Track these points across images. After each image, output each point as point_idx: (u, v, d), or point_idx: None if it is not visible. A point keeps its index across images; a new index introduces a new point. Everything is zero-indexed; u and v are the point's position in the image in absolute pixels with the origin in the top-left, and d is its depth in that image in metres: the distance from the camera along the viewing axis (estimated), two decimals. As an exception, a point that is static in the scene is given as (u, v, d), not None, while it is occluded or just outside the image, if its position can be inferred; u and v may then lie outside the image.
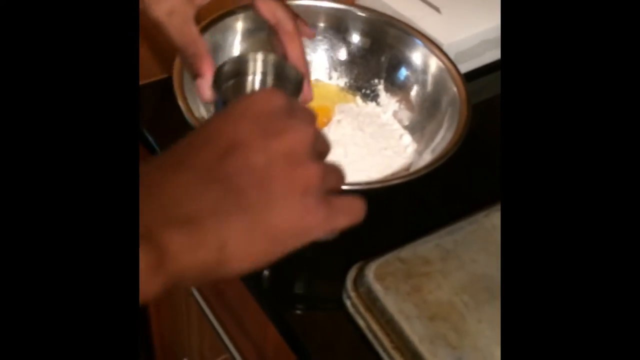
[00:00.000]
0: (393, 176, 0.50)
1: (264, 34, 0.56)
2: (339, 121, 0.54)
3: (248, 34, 0.55)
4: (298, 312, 0.48)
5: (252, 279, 0.49)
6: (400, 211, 0.54)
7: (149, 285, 0.24)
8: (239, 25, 0.54)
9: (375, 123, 0.55)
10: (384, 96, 0.57)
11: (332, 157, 0.51)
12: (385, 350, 0.43)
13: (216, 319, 0.58)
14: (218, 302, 0.60)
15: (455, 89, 0.51)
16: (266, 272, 0.49)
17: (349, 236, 0.52)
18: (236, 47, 0.55)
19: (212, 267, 0.25)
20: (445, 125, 0.50)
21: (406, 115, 0.55)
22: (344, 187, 0.46)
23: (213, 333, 0.64)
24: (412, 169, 0.50)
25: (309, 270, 0.50)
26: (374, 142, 0.52)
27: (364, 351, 0.44)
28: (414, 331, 0.41)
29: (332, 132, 0.52)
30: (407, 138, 0.54)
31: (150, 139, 0.54)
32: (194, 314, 0.64)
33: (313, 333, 0.46)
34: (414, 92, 0.55)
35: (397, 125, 0.55)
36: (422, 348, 0.40)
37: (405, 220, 0.53)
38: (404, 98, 0.55)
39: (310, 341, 0.45)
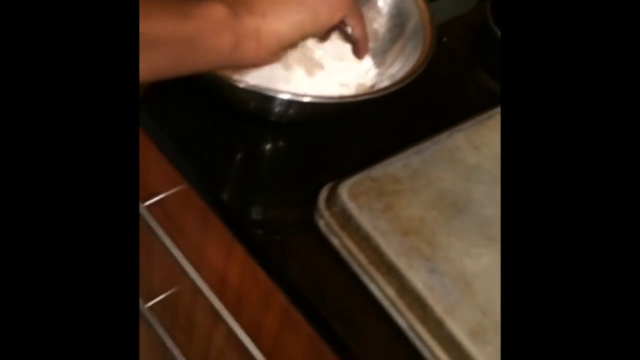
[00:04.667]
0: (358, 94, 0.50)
1: None
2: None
3: None
4: (270, 237, 0.47)
5: (218, 206, 0.48)
6: (360, 135, 0.54)
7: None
8: None
9: (335, 44, 0.54)
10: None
11: (293, 76, 0.51)
12: (360, 265, 0.44)
13: (176, 247, 0.56)
14: (176, 232, 0.58)
15: (418, 12, 0.51)
16: (226, 198, 0.48)
17: (311, 161, 0.52)
18: None
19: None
20: (408, 49, 0.51)
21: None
22: (312, 100, 0.45)
23: (164, 265, 0.62)
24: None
25: (276, 197, 0.50)
26: (336, 62, 0.52)
27: (337, 270, 0.45)
28: (389, 246, 0.43)
29: (293, 51, 0.50)
30: (368, 61, 0.54)
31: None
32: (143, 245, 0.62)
33: (284, 255, 0.46)
34: (377, 12, 0.54)
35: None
36: (399, 261, 0.42)
37: (365, 144, 0.53)
38: (367, 21, 0.55)
39: (283, 262, 0.45)
